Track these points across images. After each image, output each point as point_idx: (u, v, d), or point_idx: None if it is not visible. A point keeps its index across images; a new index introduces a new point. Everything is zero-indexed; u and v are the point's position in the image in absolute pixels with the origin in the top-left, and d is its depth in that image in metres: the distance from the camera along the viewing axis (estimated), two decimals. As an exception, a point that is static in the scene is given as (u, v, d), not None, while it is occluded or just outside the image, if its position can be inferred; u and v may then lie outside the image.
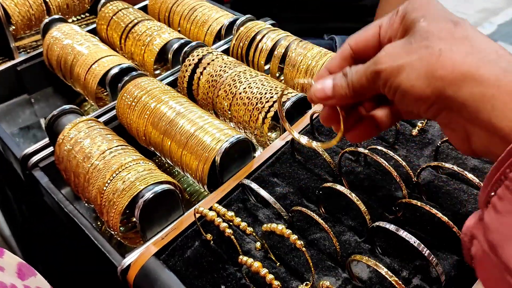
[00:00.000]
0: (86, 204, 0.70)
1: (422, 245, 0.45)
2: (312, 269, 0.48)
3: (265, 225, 0.51)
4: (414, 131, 0.66)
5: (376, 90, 0.39)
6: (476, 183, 0.52)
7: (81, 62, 0.87)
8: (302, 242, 0.47)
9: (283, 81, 0.85)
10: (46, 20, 0.97)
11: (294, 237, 0.48)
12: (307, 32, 1.25)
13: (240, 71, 0.75)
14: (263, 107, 0.70)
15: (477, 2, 3.09)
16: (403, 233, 0.46)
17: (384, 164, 0.55)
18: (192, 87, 0.80)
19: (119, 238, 0.65)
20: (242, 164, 0.66)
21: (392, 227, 0.47)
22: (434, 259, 0.45)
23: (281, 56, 0.83)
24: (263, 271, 0.48)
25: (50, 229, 0.91)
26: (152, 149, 0.74)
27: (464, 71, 0.33)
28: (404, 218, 0.55)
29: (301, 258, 0.52)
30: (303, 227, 0.56)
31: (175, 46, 0.88)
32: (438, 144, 0.61)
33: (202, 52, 0.80)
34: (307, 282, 0.50)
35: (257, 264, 0.48)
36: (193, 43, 0.83)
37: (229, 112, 0.75)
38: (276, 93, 0.70)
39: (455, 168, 0.54)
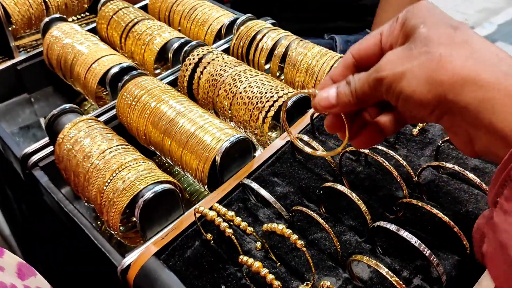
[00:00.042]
0: (86, 204, 0.70)
1: (423, 245, 0.45)
2: (313, 269, 0.48)
3: (265, 225, 0.51)
4: (415, 131, 0.65)
5: (379, 96, 0.40)
6: (477, 183, 0.52)
7: (81, 61, 0.87)
8: (302, 242, 0.47)
9: (283, 80, 0.84)
10: (46, 19, 0.97)
11: (294, 237, 0.48)
12: (307, 31, 1.25)
13: (240, 71, 0.75)
14: (264, 106, 0.70)
15: (477, 1, 3.09)
16: (404, 233, 0.46)
17: (384, 164, 0.55)
18: (192, 86, 0.80)
19: (119, 238, 0.65)
20: (243, 164, 0.66)
21: (393, 227, 0.47)
22: (435, 259, 0.45)
23: (282, 55, 0.83)
24: (264, 271, 0.48)
25: (50, 229, 0.91)
26: (152, 148, 0.74)
27: (464, 75, 0.34)
28: (404, 218, 0.55)
29: (301, 258, 0.52)
30: (304, 227, 0.56)
31: (175, 45, 0.87)
32: (439, 143, 0.61)
33: (203, 51, 0.80)
34: (308, 282, 0.50)
35: (257, 264, 0.48)
36: (194, 43, 0.83)
37: (230, 112, 0.75)
38: (276, 93, 0.70)
39: (456, 168, 0.54)
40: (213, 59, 0.79)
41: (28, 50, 1.08)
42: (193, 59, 0.80)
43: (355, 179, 0.61)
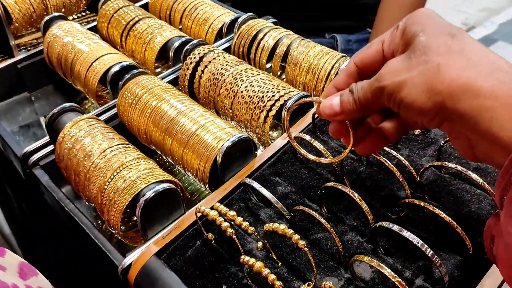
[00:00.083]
0: (86, 203, 0.70)
1: (426, 246, 0.45)
2: (315, 269, 0.48)
3: (267, 224, 0.51)
4: (417, 131, 0.65)
5: (381, 104, 0.41)
6: (480, 183, 0.52)
7: (82, 60, 0.86)
8: (304, 242, 0.47)
9: (284, 79, 0.84)
10: (47, 17, 0.97)
11: (296, 237, 0.47)
12: (308, 31, 1.25)
13: (241, 70, 0.75)
14: (265, 105, 0.69)
15: (478, 1, 3.09)
16: (407, 233, 0.46)
17: (386, 164, 0.55)
18: (193, 85, 0.80)
19: (119, 237, 0.65)
20: (244, 163, 0.65)
21: (395, 227, 0.47)
22: (437, 259, 0.45)
23: (283, 54, 0.82)
24: (265, 271, 0.47)
25: (50, 228, 0.91)
26: (153, 147, 0.74)
27: (461, 84, 0.35)
28: (406, 218, 0.55)
29: (303, 258, 0.52)
30: (305, 226, 0.56)
31: (176, 44, 0.87)
32: (441, 143, 0.61)
33: (204, 50, 0.80)
34: (309, 282, 0.49)
35: (259, 264, 0.48)
36: (195, 41, 0.82)
37: (231, 111, 0.74)
38: (278, 92, 0.70)
39: (459, 167, 0.53)
40: (214, 58, 0.78)
41: (29, 48, 1.08)
42: (194, 58, 0.79)
43: (357, 179, 0.60)
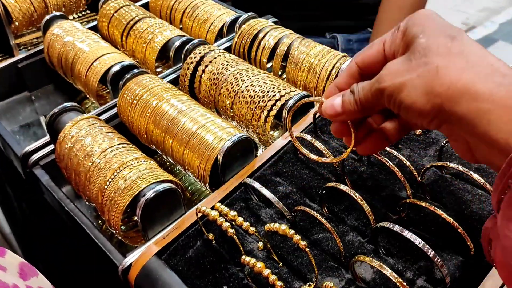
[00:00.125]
0: (87, 203, 0.70)
1: (427, 246, 0.45)
2: (315, 269, 0.48)
3: (267, 225, 0.51)
4: (418, 131, 0.65)
5: (382, 105, 0.41)
6: (481, 183, 0.52)
7: (82, 59, 0.86)
8: (305, 243, 0.47)
9: (285, 79, 0.84)
10: (47, 17, 0.96)
11: (297, 237, 0.47)
12: (309, 30, 1.25)
13: (242, 69, 0.75)
14: (266, 105, 0.69)
15: (478, 1, 3.08)
16: (408, 234, 0.45)
17: (388, 164, 0.55)
18: (194, 85, 0.80)
19: (120, 237, 0.65)
20: (245, 163, 0.65)
21: (396, 228, 0.46)
22: (439, 260, 0.45)
23: (284, 54, 0.82)
24: (266, 271, 0.47)
25: (50, 228, 0.90)
26: (154, 147, 0.73)
27: (460, 87, 0.35)
28: (408, 218, 0.55)
29: (304, 259, 0.52)
30: (306, 227, 0.56)
31: (177, 43, 0.87)
32: (443, 143, 0.60)
33: (204, 50, 0.80)
34: (310, 283, 0.49)
35: (260, 265, 0.48)
36: (195, 41, 0.82)
37: (231, 111, 0.74)
38: (278, 92, 0.69)
39: (460, 168, 0.53)
40: (214, 58, 0.78)
41: (29, 48, 1.08)
42: (195, 57, 0.79)
43: (358, 179, 0.60)
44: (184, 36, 0.90)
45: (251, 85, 0.72)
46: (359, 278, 0.50)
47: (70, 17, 1.10)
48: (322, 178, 0.61)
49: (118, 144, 0.67)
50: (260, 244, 0.54)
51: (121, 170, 0.62)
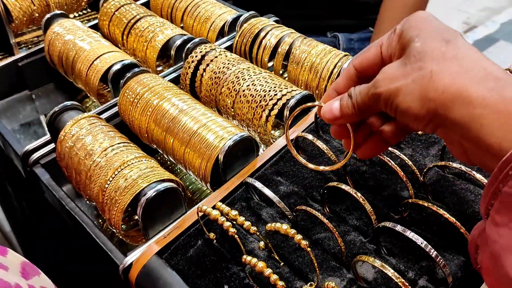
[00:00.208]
0: (87, 202, 0.70)
1: (430, 246, 0.44)
2: (317, 269, 0.48)
3: (269, 224, 0.51)
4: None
5: (379, 109, 0.42)
6: (484, 183, 0.52)
7: (83, 58, 0.86)
8: (306, 242, 0.47)
9: (286, 78, 0.84)
10: (48, 15, 0.96)
11: (298, 237, 0.47)
12: (310, 29, 1.25)
13: (243, 68, 0.75)
14: (267, 104, 0.69)
15: (479, 0, 3.08)
16: (410, 234, 0.45)
17: (390, 163, 0.55)
18: (195, 84, 0.80)
19: (120, 236, 0.65)
20: (246, 163, 0.65)
21: (399, 228, 0.46)
22: (441, 260, 0.45)
23: (285, 53, 0.82)
24: (268, 271, 0.47)
25: (50, 227, 0.90)
26: (155, 146, 0.73)
27: (453, 92, 0.36)
28: (410, 218, 0.54)
29: (305, 258, 0.52)
30: (308, 226, 0.56)
31: (178, 42, 0.87)
32: (445, 143, 0.60)
33: (205, 48, 0.80)
34: (312, 283, 0.49)
35: (261, 264, 0.47)
36: (196, 40, 0.82)
37: (232, 110, 0.74)
38: (280, 91, 0.69)
39: (462, 167, 0.53)
40: (216, 57, 0.78)
41: (30, 46, 1.08)
42: (196, 56, 0.79)
43: (360, 178, 0.60)
44: (185, 35, 0.89)
45: (252, 84, 0.72)
46: (361, 278, 0.49)
47: (71, 15, 1.10)
48: (323, 177, 0.61)
49: (118, 143, 0.67)
50: (261, 243, 0.54)
51: (122, 169, 0.62)
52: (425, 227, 0.53)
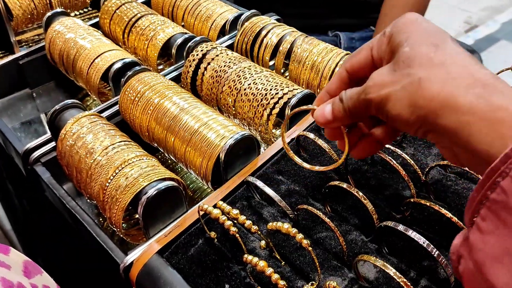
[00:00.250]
0: (88, 200, 0.70)
1: (432, 246, 0.44)
2: (318, 268, 0.47)
3: (270, 223, 0.50)
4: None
5: (371, 113, 0.42)
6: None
7: (84, 56, 0.86)
8: (308, 241, 0.46)
9: (288, 77, 0.84)
10: (49, 13, 0.96)
11: (300, 236, 0.47)
12: (311, 28, 1.24)
13: (244, 67, 0.74)
14: (268, 103, 0.69)
15: (481, -1, 3.08)
16: (412, 233, 0.45)
17: (391, 163, 0.54)
18: (196, 82, 0.79)
19: (121, 235, 0.65)
20: (247, 161, 0.65)
21: (400, 227, 0.46)
22: (443, 260, 0.44)
23: (286, 52, 0.82)
24: (269, 270, 0.47)
25: (51, 225, 0.90)
26: (155, 145, 0.73)
27: (441, 99, 0.36)
28: (411, 217, 0.54)
29: (306, 257, 0.52)
30: (309, 225, 0.55)
31: (179, 41, 0.87)
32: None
33: (206, 47, 0.79)
34: (313, 282, 0.49)
35: (262, 264, 0.47)
36: (197, 38, 0.82)
37: (234, 109, 0.74)
38: (281, 90, 0.69)
39: (465, 167, 0.53)
40: (217, 55, 0.78)
41: (30, 44, 1.07)
42: (197, 55, 0.79)
43: (361, 178, 0.60)
44: (186, 33, 0.89)
45: (253, 83, 0.72)
46: (362, 277, 0.49)
47: (72, 14, 1.09)
48: (325, 176, 0.61)
49: (119, 142, 0.67)
50: (263, 242, 0.54)
51: (123, 167, 0.62)
52: (427, 227, 0.53)
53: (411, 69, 0.38)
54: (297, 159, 0.53)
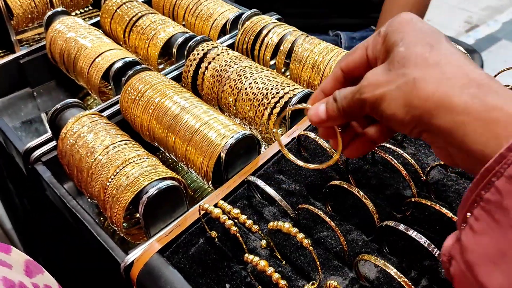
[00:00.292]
0: (89, 200, 0.70)
1: (433, 245, 0.44)
2: (319, 268, 0.47)
3: (271, 223, 0.50)
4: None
5: (365, 112, 0.42)
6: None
7: (85, 55, 0.86)
8: (308, 241, 0.46)
9: (288, 76, 0.84)
10: (49, 12, 0.96)
11: (301, 235, 0.47)
12: (312, 28, 1.24)
13: (245, 66, 0.74)
14: (269, 103, 0.69)
15: (481, -1, 3.07)
16: (413, 233, 0.45)
17: (392, 162, 0.54)
18: (196, 82, 0.79)
19: (122, 234, 0.65)
20: (248, 161, 0.65)
21: (401, 227, 0.46)
22: (444, 259, 0.44)
23: (287, 51, 0.82)
24: (269, 270, 0.47)
25: (52, 224, 0.90)
26: (156, 144, 0.73)
27: (436, 100, 0.36)
28: (412, 217, 0.54)
29: (307, 257, 0.52)
30: (310, 225, 0.55)
31: (180, 40, 0.87)
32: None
33: (207, 46, 0.79)
34: (314, 282, 0.49)
35: (263, 263, 0.47)
36: (198, 37, 0.82)
37: (234, 108, 0.74)
38: (282, 89, 0.69)
39: (465, 167, 0.53)
40: (218, 55, 0.78)
41: (31, 43, 1.07)
42: (198, 54, 0.79)
43: (362, 177, 0.60)
44: (187, 32, 0.89)
45: (254, 82, 0.72)
46: (363, 277, 0.49)
47: (73, 13, 1.09)
48: (325, 176, 0.61)
49: (120, 141, 0.67)
50: (263, 242, 0.54)
51: (124, 167, 0.62)
52: (427, 226, 0.53)
53: (406, 69, 0.38)
54: (291, 156, 0.52)
